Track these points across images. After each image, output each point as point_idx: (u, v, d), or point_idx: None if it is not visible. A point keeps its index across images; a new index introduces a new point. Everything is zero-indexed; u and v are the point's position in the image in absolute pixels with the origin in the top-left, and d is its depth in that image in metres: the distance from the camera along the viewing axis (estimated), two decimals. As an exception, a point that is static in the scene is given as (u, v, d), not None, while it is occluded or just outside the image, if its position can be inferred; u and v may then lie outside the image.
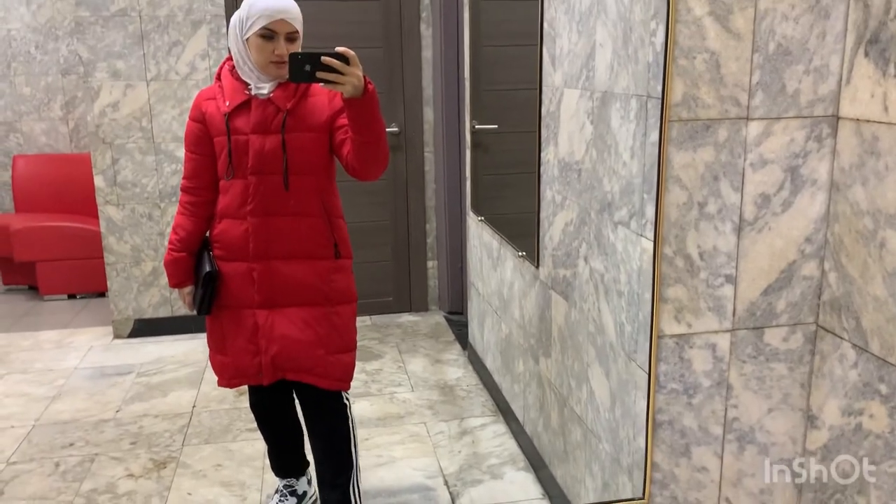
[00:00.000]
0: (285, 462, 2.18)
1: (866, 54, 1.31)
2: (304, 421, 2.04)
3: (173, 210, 3.34)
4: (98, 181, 3.28)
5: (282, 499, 2.13)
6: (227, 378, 1.96)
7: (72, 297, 4.03)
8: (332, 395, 1.95)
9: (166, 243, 3.38)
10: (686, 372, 1.44)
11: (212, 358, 1.98)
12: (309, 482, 2.20)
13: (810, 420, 1.49)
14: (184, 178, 1.92)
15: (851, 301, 1.37)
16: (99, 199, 3.30)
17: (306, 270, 1.86)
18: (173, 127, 3.27)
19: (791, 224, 1.41)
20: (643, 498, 1.46)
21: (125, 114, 3.23)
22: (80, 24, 3.12)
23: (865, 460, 1.35)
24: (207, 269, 1.86)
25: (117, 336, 3.51)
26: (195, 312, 1.92)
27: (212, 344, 1.97)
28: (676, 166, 1.36)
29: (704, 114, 1.35)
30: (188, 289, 1.93)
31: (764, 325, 1.44)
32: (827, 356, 1.44)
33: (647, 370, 1.48)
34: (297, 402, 2.07)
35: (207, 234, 1.92)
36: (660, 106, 1.34)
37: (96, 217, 3.36)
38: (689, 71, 1.33)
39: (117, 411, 2.82)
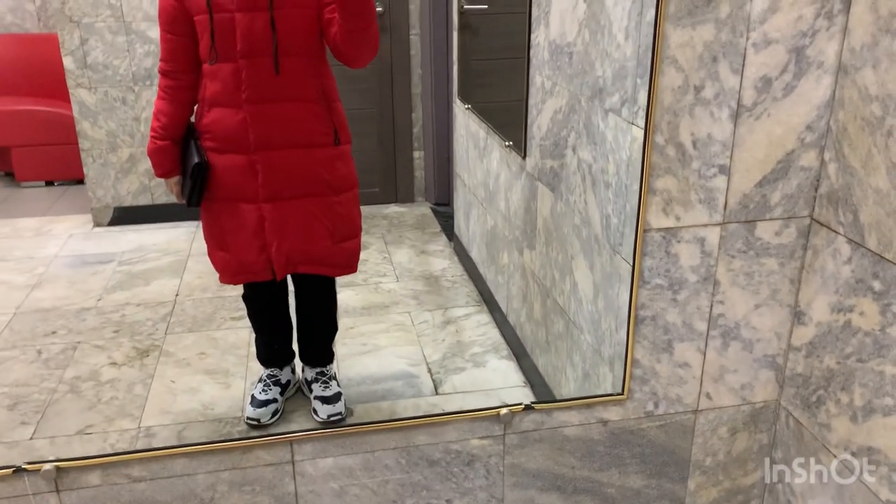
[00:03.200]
0: (274, 353, 2.13)
1: (889, -80, 1.16)
2: (297, 301, 2.05)
3: (148, 94, 3.18)
4: (67, 62, 3.10)
5: (265, 388, 2.10)
6: (231, 274, 1.89)
7: (49, 184, 3.90)
8: (330, 279, 1.99)
9: (142, 129, 3.27)
10: (672, 267, 1.36)
11: (211, 254, 1.90)
12: (292, 370, 2.17)
13: (797, 316, 1.43)
14: (161, 60, 1.76)
15: (850, 194, 1.28)
16: (70, 82, 3.13)
17: (308, 160, 1.77)
18: (144, 5, 3.07)
19: (792, 110, 1.30)
20: (622, 394, 1.42)
21: (92, -11, 3.01)
22: None
23: (853, 358, 1.30)
24: (196, 160, 1.73)
25: (97, 224, 3.42)
26: (185, 203, 1.82)
27: (209, 240, 1.88)
28: (673, 46, 1.23)
29: (706, -14, 1.21)
30: (175, 179, 1.82)
31: (756, 218, 1.36)
32: (820, 251, 1.37)
33: (631, 263, 1.41)
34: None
35: (192, 120, 1.78)
36: (658, -23, 1.21)
37: (68, 101, 3.20)
38: (692, -63, 1.19)
39: (99, 300, 2.76)
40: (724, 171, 1.32)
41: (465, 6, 2.76)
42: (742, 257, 1.38)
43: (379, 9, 3.34)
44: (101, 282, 2.90)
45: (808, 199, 1.37)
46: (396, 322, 2.64)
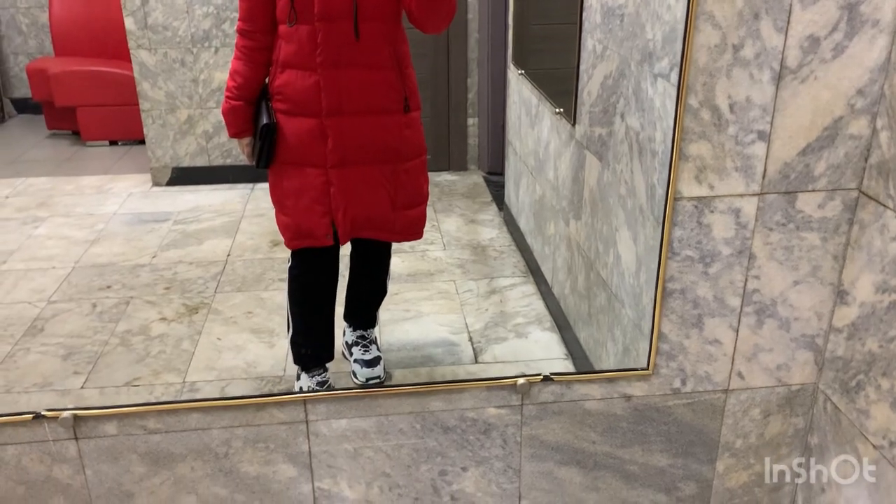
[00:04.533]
0: (320, 344, 2.01)
1: None
2: (352, 263, 2.05)
3: (206, 56, 3.22)
4: (128, 23, 3.16)
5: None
6: (289, 238, 1.88)
7: (113, 143, 4.02)
8: (387, 243, 2.02)
9: (200, 91, 3.32)
10: (704, 238, 1.29)
11: (276, 216, 1.89)
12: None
13: (840, 296, 1.34)
14: (239, 20, 1.75)
15: (902, 165, 1.18)
16: (130, 43, 3.19)
17: (379, 127, 1.76)
18: (204, -34, 3.09)
19: (842, 73, 1.20)
20: (647, 369, 1.37)
21: (153, -50, 3.06)
22: None
23: None
24: (265, 121, 1.73)
25: (156, 184, 3.51)
26: (254, 165, 1.82)
27: (275, 202, 1.88)
28: (710, 0, 1.15)
29: (749, -64, 1.13)
30: (247, 140, 1.81)
31: (798, 189, 1.27)
32: (867, 226, 1.27)
33: (660, 232, 1.35)
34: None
35: (266, 82, 1.78)
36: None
37: (130, 62, 3.27)
38: None
39: (153, 257, 2.84)
40: (764, 137, 1.23)
41: (523, -31, 2.69)
42: (781, 230, 1.30)
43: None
44: (157, 240, 2.97)
45: (856, 170, 1.27)
46: (441, 290, 2.62)
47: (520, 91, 2.78)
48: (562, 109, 2.22)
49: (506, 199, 3.15)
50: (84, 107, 3.90)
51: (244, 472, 1.36)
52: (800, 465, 1.49)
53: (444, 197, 3.45)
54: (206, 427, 1.30)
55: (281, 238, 1.93)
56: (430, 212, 3.21)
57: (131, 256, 2.83)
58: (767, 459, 1.48)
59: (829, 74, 1.20)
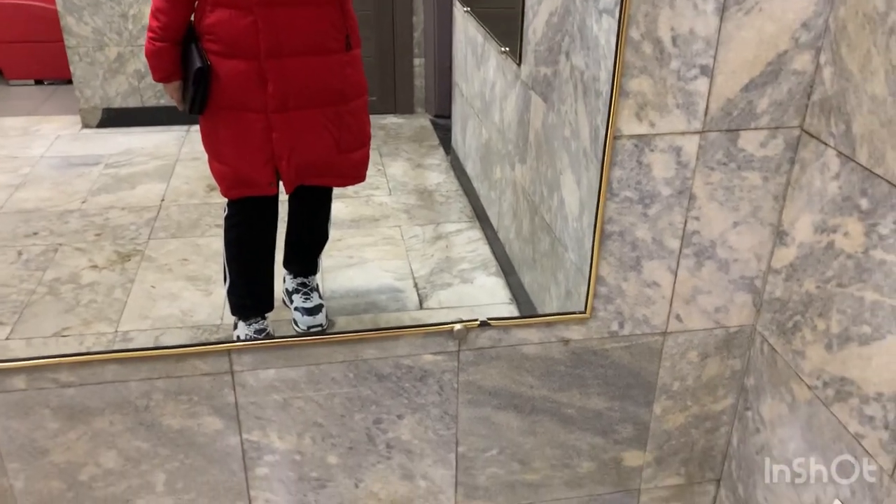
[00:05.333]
0: (259, 295, 1.93)
1: None
2: (290, 211, 1.96)
3: (135, -11, 3.04)
4: (49, -47, 2.95)
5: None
6: (227, 188, 1.78)
7: (39, 82, 3.79)
8: (329, 188, 1.95)
9: (129, 27, 3.13)
10: (644, 178, 1.24)
11: (213, 167, 1.78)
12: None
13: (779, 236, 1.32)
14: None
15: (845, 101, 1.14)
16: (52, -26, 2.99)
17: (321, 67, 1.66)
18: None
19: (786, 5, 1.15)
20: (585, 312, 1.33)
21: None
22: None
23: (833, 282, 1.19)
24: (198, 64, 1.59)
25: (85, 125, 3.33)
26: (186, 111, 1.69)
27: (211, 152, 1.76)
28: (653, -75, 1.08)
29: None
30: (176, 84, 1.68)
31: (740, 127, 1.23)
32: (807, 165, 1.24)
33: (599, 173, 1.30)
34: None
35: (192, 20, 1.63)
36: None
37: (53, -6, 3.07)
38: None
39: (83, 202, 2.69)
40: (707, 72, 1.18)
41: None
42: (722, 170, 1.26)
43: None
44: (87, 184, 2.82)
45: (798, 107, 1.23)
46: (386, 236, 2.55)
47: (466, 30, 2.69)
48: (507, 49, 2.14)
49: (453, 142, 3.08)
50: (5, 43, 3.66)
51: (167, 426, 1.29)
52: (734, 406, 1.48)
53: (391, 141, 3.35)
54: (123, 379, 1.23)
55: (216, 183, 1.83)
56: (375, 156, 3.12)
57: (60, 202, 2.68)
58: (705, 401, 1.47)
59: (774, 6, 1.15)
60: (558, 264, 1.80)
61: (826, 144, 1.19)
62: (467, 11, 2.63)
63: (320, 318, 1.99)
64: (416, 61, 3.49)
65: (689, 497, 1.58)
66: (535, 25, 1.87)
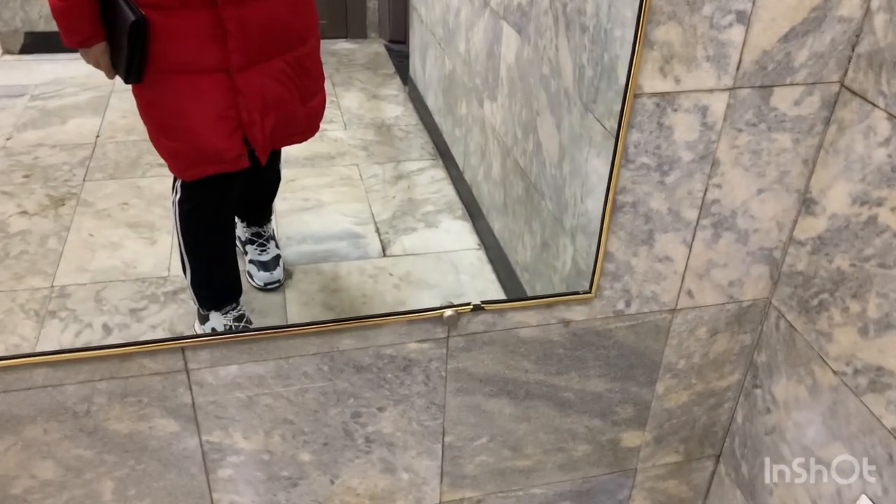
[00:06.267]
0: (231, 276, 1.67)
1: None
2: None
3: None
4: None
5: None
6: (183, 167, 1.45)
7: (-53, 2, 3.37)
8: None
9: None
10: (664, 143, 1.05)
11: (166, 145, 1.43)
12: None
13: (806, 204, 1.15)
14: None
15: (901, 55, 0.96)
16: None
17: (282, 6, 1.35)
18: None
19: (843, -62, 0.95)
20: (590, 292, 1.16)
21: None
22: None
23: (872, 261, 1.04)
24: (131, 17, 1.23)
25: (6, 51, 2.94)
26: (122, 79, 1.34)
27: (153, 125, 1.42)
28: None
29: None
30: (100, 47, 1.32)
31: (775, 83, 1.04)
32: (848, 127, 1.06)
33: (605, 125, 1.11)
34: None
35: None
36: None
37: None
38: None
39: (8, 139, 2.39)
40: (743, 18, 0.97)
41: None
42: (750, 131, 1.07)
43: None
44: (11, 118, 2.47)
45: (840, 59, 1.04)
46: (343, 175, 2.32)
47: (427, -53, 2.43)
48: None
49: (411, 72, 2.83)
50: None
51: (113, 431, 1.09)
52: (741, 382, 1.35)
53: (343, 69, 3.06)
54: (57, 383, 1.01)
55: None
56: (328, 86, 2.85)
57: (-21, 140, 2.39)
58: (710, 377, 1.33)
59: (829, -61, 0.95)
60: (534, 212, 1.64)
61: (873, 104, 1.01)
62: (429, -74, 2.36)
63: (277, 274, 1.78)
64: (370, -19, 3.19)
65: (686, 474, 1.47)
66: (511, -54, 1.65)
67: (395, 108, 2.74)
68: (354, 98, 2.79)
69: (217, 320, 1.60)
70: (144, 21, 1.25)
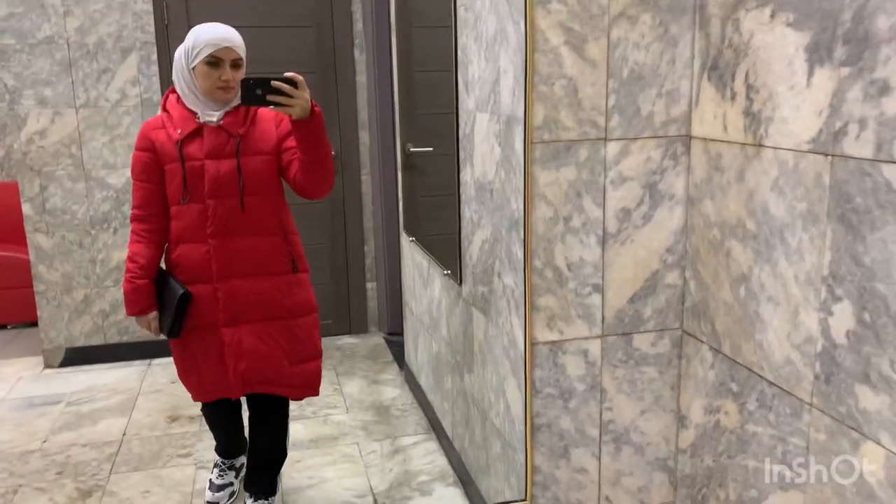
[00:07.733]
0: (231, 445, 2.42)
1: (709, 79, 1.48)
2: (251, 423, 2.26)
3: (105, 237, 3.44)
4: (26, 209, 3.38)
5: (221, 473, 2.37)
6: (205, 394, 2.17)
7: (2, 327, 4.09)
8: (284, 400, 2.23)
9: (97, 271, 3.51)
10: (561, 377, 1.58)
11: (184, 379, 2.16)
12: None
13: (680, 420, 1.64)
14: (134, 207, 2.05)
15: (707, 306, 1.53)
16: (28, 227, 3.40)
17: (267, 286, 2.03)
18: (104, 153, 3.39)
19: (652, 236, 1.57)
20: (525, 499, 1.60)
21: (53, 141, 3.34)
22: (4, 52, 3.24)
23: (724, 455, 1.50)
24: (181, 291, 1.97)
25: (48, 366, 3.58)
26: (164, 336, 2.08)
27: (182, 366, 2.14)
28: (542, 184, 1.52)
29: (565, 135, 1.51)
30: (152, 314, 2.06)
31: (632, 330, 1.60)
32: (691, 359, 1.60)
33: (523, 375, 1.60)
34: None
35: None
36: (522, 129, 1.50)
37: (26, 245, 3.44)
38: (549, 96, 1.49)
39: (44, 441, 2.88)
40: (598, 289, 1.56)
41: (411, 149, 3.07)
42: (623, 366, 1.61)
43: (333, 152, 3.66)
44: (48, 423, 3.02)
45: (676, 312, 1.61)
46: (344, 454, 2.75)
47: (412, 256, 3.07)
48: (449, 271, 2.49)
49: (406, 357, 3.37)
50: (-25, 292, 3.98)
51: None
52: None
53: (346, 360, 3.65)
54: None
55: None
56: (332, 376, 3.41)
57: (20, 442, 2.86)
58: (642, 578, 1.70)
59: (642, 237, 1.57)
60: (510, 468, 2.00)
61: (700, 341, 1.56)
62: (413, 240, 3.04)
63: None
64: (369, 285, 3.90)
65: None
66: (471, 251, 2.24)
67: (393, 391, 3.27)
68: (356, 385, 3.33)
69: (217, 459, 2.44)
70: (190, 294, 1.99)
